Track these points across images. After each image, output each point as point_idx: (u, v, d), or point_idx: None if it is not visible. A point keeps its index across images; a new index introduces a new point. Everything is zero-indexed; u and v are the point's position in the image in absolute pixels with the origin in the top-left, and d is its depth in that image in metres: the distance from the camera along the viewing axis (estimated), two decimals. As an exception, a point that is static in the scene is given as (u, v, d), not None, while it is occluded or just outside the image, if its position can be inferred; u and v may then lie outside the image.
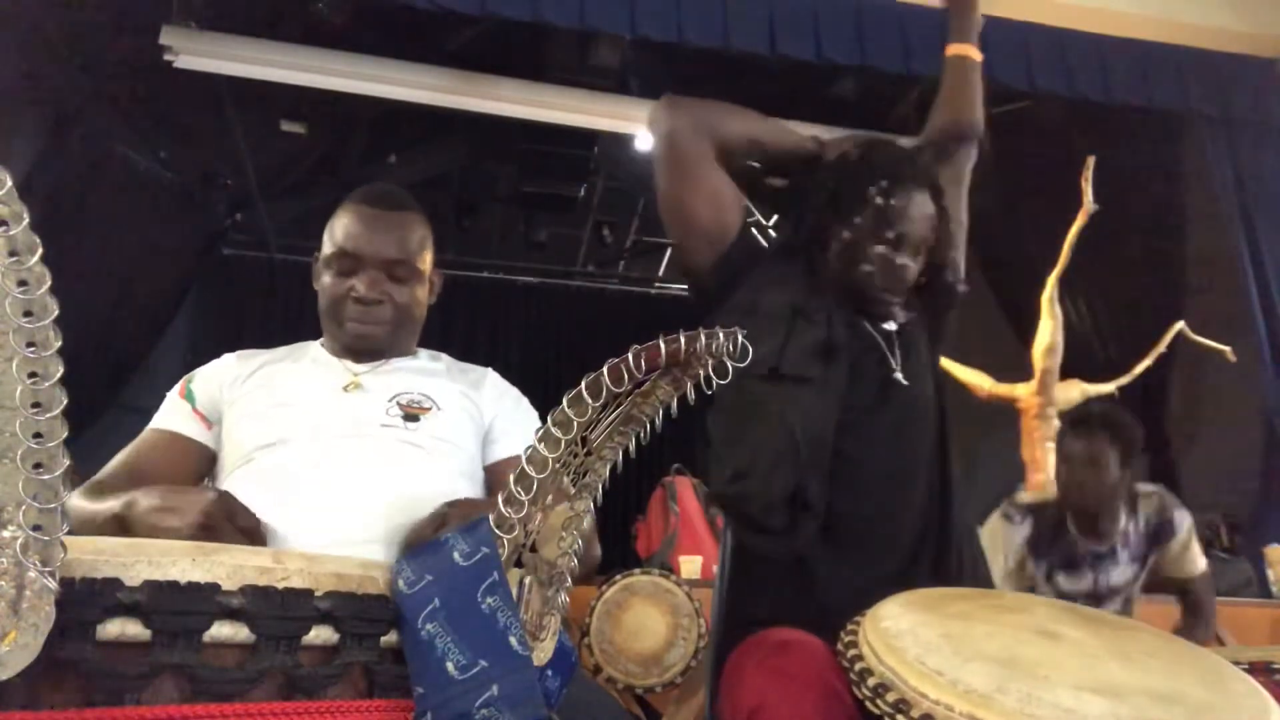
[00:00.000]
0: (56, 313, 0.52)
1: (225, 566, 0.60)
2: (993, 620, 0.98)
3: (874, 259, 1.34)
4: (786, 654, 1.09)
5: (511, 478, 0.67)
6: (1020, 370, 3.92)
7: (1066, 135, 4.08)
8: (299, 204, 4.99)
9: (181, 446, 1.26)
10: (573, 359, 5.72)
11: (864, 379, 1.34)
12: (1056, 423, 3.37)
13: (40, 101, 3.44)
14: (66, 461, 0.53)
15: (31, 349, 0.51)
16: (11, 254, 0.50)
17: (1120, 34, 3.72)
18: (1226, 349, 3.74)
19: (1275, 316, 3.75)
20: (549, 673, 0.71)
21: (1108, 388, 3.79)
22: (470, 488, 1.24)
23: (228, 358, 1.36)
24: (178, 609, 0.57)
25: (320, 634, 0.62)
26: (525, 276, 6.17)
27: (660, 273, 6.24)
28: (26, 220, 0.50)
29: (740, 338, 0.68)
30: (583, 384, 0.66)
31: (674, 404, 0.72)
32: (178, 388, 1.32)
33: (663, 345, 0.67)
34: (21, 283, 0.50)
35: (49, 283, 0.51)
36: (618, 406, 0.71)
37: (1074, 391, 3.72)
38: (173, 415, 1.29)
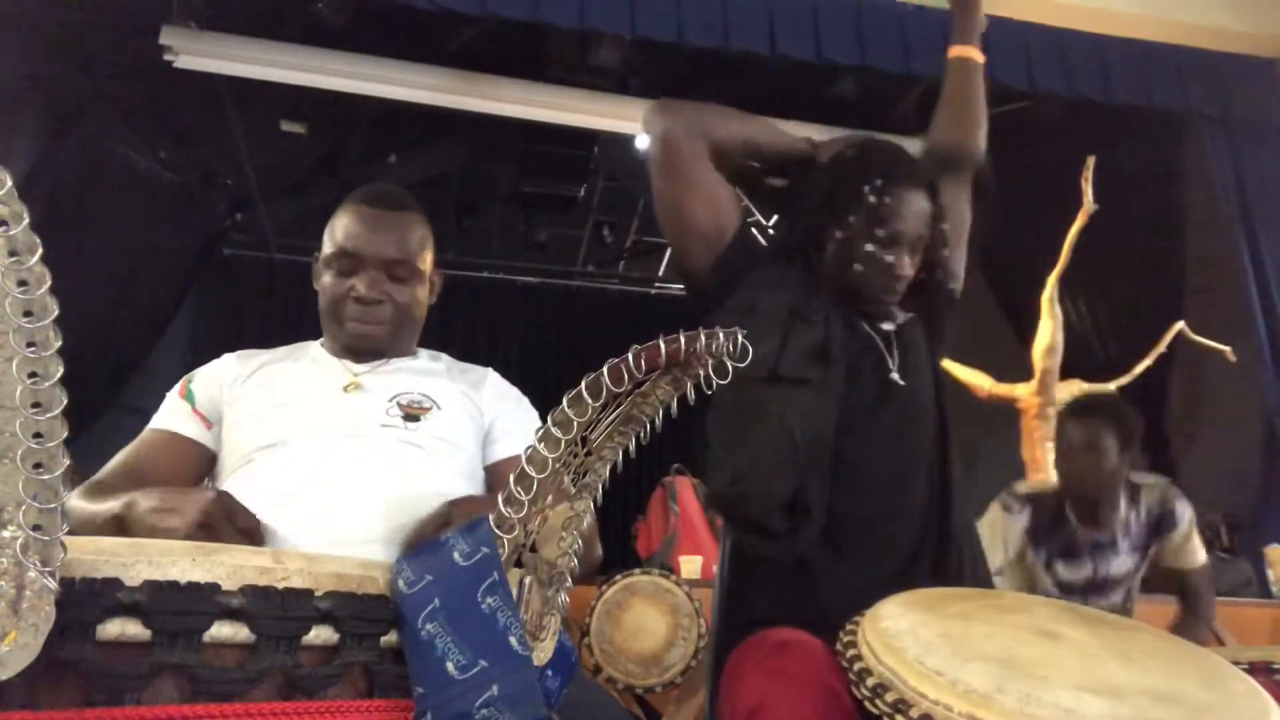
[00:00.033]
0: (56, 313, 0.52)
1: (225, 566, 0.60)
2: (992, 620, 0.98)
3: (870, 258, 1.34)
4: (786, 654, 1.09)
5: (511, 478, 0.67)
6: (1020, 370, 3.92)
7: (1066, 135, 4.08)
8: (299, 204, 4.99)
9: (181, 447, 1.26)
10: (573, 359, 5.72)
11: (862, 380, 1.34)
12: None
13: (40, 101, 3.44)
14: (66, 461, 0.53)
15: (31, 349, 0.51)
16: (11, 254, 0.50)
17: (1120, 34, 3.72)
18: (1226, 349, 3.75)
19: (1275, 316, 3.75)
20: (549, 673, 0.71)
21: (1108, 388, 3.80)
22: (470, 488, 1.24)
23: (228, 358, 1.36)
24: (178, 609, 0.57)
25: (320, 634, 0.62)
26: (525, 276, 6.17)
27: (660, 273, 6.24)
28: (26, 220, 0.50)
29: (740, 337, 0.68)
30: (583, 384, 0.66)
31: (674, 404, 0.72)
32: (177, 388, 1.32)
33: (663, 345, 0.67)
34: (21, 283, 0.50)
35: (49, 283, 0.51)
36: (618, 406, 0.71)
37: (1074, 391, 3.73)
38: (172, 415, 1.29)
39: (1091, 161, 3.56)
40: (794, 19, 3.41)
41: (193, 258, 5.13)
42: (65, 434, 0.53)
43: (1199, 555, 2.32)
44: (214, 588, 0.59)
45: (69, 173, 3.72)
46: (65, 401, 0.52)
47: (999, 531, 2.30)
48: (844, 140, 1.44)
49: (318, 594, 0.62)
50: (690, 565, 2.92)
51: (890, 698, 0.88)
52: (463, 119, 4.17)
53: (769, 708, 1.01)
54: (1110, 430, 2.23)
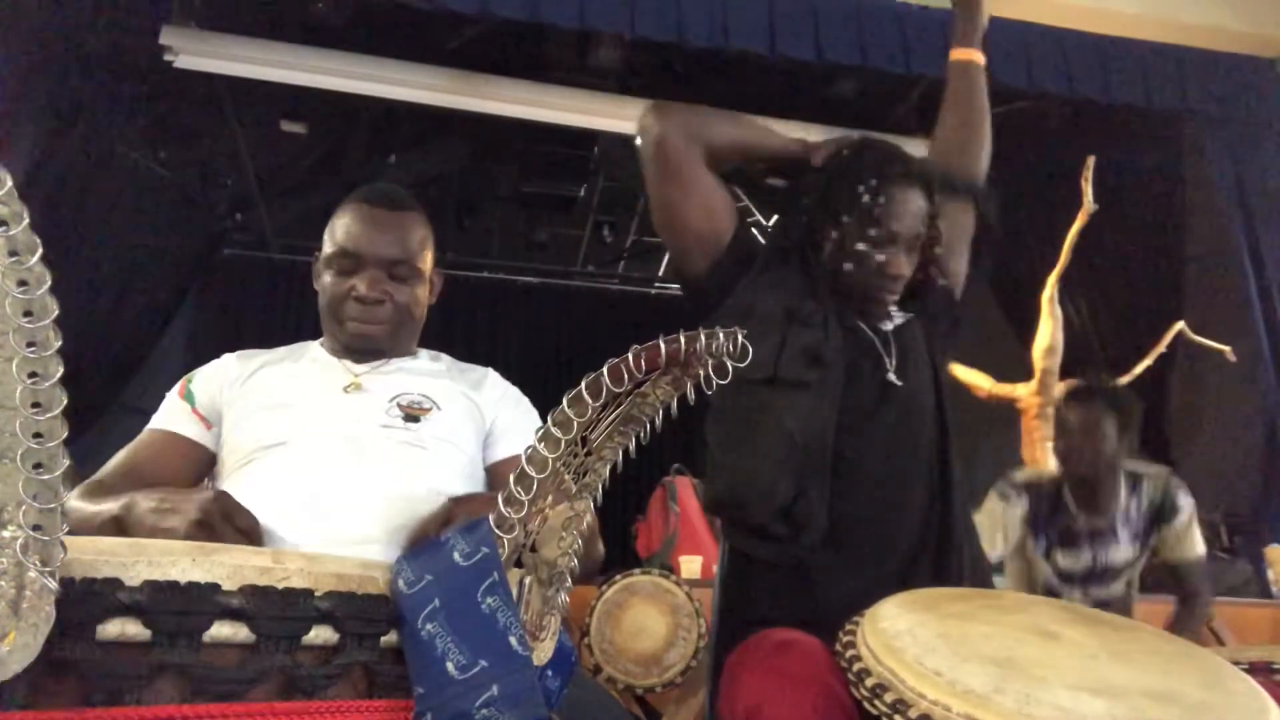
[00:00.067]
0: (56, 313, 0.52)
1: (225, 566, 0.60)
2: (991, 620, 0.98)
3: (867, 258, 1.34)
4: (785, 654, 1.09)
5: (511, 478, 0.67)
6: (1020, 370, 3.92)
7: (1066, 135, 4.08)
8: (299, 204, 4.99)
9: (181, 447, 1.26)
10: (573, 359, 5.72)
11: (861, 381, 1.34)
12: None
13: (40, 101, 3.44)
14: (66, 461, 0.53)
15: (31, 349, 0.51)
16: (11, 254, 0.50)
17: (1120, 34, 3.72)
18: (1226, 349, 3.75)
19: (1275, 316, 3.75)
20: (549, 673, 0.71)
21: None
22: (470, 489, 1.24)
23: (227, 358, 1.36)
24: (178, 609, 0.57)
25: (320, 634, 0.62)
26: (525, 276, 6.17)
27: (660, 273, 6.24)
28: (26, 220, 0.50)
29: (740, 337, 0.68)
30: (583, 384, 0.66)
31: (674, 404, 0.72)
32: (177, 388, 1.32)
33: (663, 345, 0.67)
34: (21, 283, 0.50)
35: (49, 283, 0.51)
36: (618, 406, 0.71)
37: (1074, 391, 3.72)
38: (172, 415, 1.29)
39: (1091, 161, 3.56)
40: (794, 19, 3.41)
41: (193, 258, 5.12)
42: (65, 434, 0.53)
43: (1198, 547, 2.31)
44: (214, 588, 0.59)
45: (69, 173, 3.72)
46: (65, 401, 0.52)
47: (998, 521, 2.29)
48: (838, 141, 1.44)
49: (318, 594, 0.62)
50: (690, 565, 2.92)
51: (889, 698, 0.88)
52: (463, 119, 4.17)
53: (768, 707, 1.02)
54: (1109, 414, 2.24)
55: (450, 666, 0.62)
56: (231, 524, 0.98)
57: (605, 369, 0.66)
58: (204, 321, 5.46)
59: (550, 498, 0.71)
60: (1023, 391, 3.88)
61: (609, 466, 0.75)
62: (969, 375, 3.94)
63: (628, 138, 4.29)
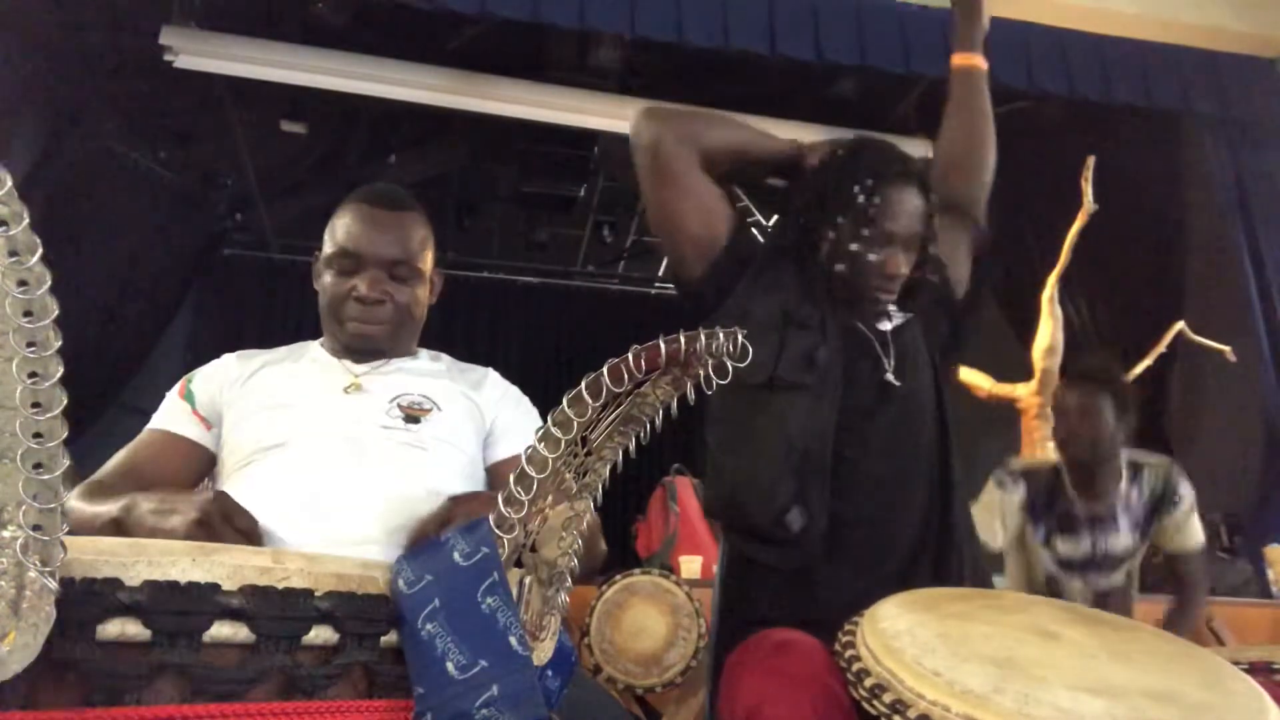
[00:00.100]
0: (56, 313, 0.52)
1: (225, 566, 0.60)
2: (991, 620, 0.98)
3: (863, 258, 1.34)
4: (785, 654, 1.09)
5: (511, 478, 0.67)
6: (1020, 370, 3.92)
7: (1066, 135, 4.08)
8: (299, 204, 4.99)
9: (180, 447, 1.26)
10: (573, 359, 5.72)
11: (859, 382, 1.34)
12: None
13: (40, 101, 3.44)
14: (66, 461, 0.53)
15: (31, 349, 0.51)
16: (11, 254, 0.50)
17: (1120, 34, 3.72)
18: (1226, 349, 3.74)
19: (1275, 316, 3.75)
20: (549, 673, 0.71)
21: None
22: (471, 489, 1.23)
23: (228, 358, 1.35)
24: (178, 609, 0.57)
25: (320, 634, 0.62)
26: (525, 276, 6.17)
27: (660, 273, 6.24)
28: (26, 220, 0.50)
29: (740, 337, 0.68)
30: (583, 384, 0.66)
31: (674, 404, 0.72)
32: (177, 388, 1.32)
33: (663, 345, 0.67)
34: (21, 283, 0.50)
35: (49, 283, 0.51)
36: (618, 406, 0.71)
37: (1073, 392, 3.72)
38: (172, 415, 1.29)
39: (1091, 161, 3.56)
40: (794, 19, 3.41)
41: (193, 258, 5.13)
42: (65, 434, 0.53)
43: (1197, 537, 2.31)
44: (214, 588, 0.59)
45: (69, 173, 3.72)
46: (65, 401, 0.52)
47: (996, 510, 2.29)
48: (832, 142, 1.44)
49: (318, 594, 0.62)
50: (690, 565, 2.92)
51: (888, 698, 0.88)
52: (463, 119, 4.17)
53: (768, 707, 1.02)
54: (1106, 396, 2.24)
55: (450, 666, 0.62)
56: (231, 525, 0.98)
57: (605, 369, 0.66)
58: (204, 321, 5.46)
59: (550, 498, 0.71)
60: (1023, 391, 3.88)
61: (609, 466, 0.75)
62: (969, 375, 3.94)
63: (628, 138, 4.29)
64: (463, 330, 5.70)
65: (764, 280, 1.39)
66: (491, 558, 0.66)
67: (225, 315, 5.58)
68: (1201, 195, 4.08)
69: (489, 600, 0.64)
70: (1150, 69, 3.72)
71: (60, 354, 0.52)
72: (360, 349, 1.33)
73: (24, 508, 0.52)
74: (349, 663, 0.64)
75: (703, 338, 0.67)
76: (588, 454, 0.73)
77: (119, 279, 4.38)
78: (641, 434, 0.74)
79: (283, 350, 1.38)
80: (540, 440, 0.66)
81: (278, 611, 0.60)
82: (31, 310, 0.51)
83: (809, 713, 0.99)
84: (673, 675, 2.11)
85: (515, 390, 1.41)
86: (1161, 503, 2.28)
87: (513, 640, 0.63)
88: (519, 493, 0.67)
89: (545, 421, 0.67)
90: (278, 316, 5.41)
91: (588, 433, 0.71)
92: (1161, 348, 3.89)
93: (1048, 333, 3.84)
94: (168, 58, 3.50)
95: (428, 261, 1.37)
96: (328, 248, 1.33)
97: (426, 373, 1.35)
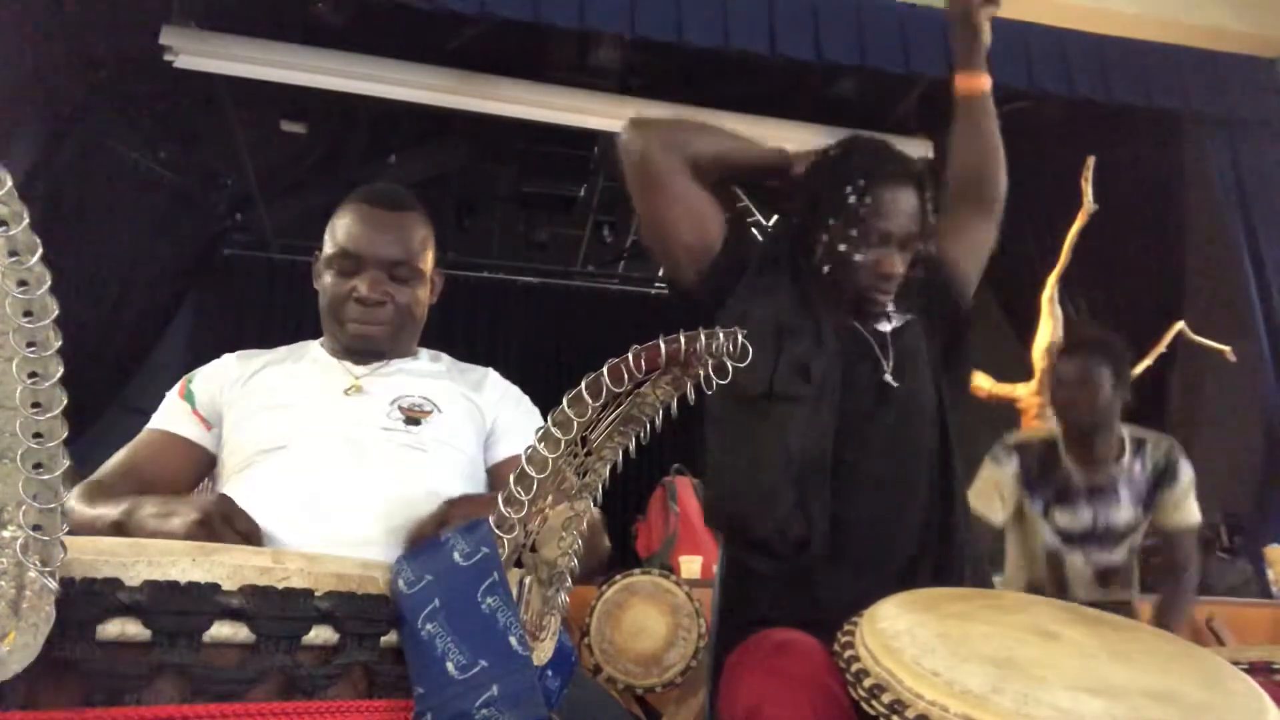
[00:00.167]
0: (56, 313, 0.52)
1: (225, 566, 0.60)
2: (991, 620, 0.98)
3: (860, 258, 1.34)
4: (784, 654, 1.09)
5: (511, 478, 0.67)
6: (1020, 370, 3.92)
7: (1066, 135, 4.08)
8: (299, 204, 4.99)
9: (180, 447, 1.26)
10: (573, 359, 5.72)
11: (858, 384, 1.33)
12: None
13: (40, 101, 3.44)
14: (66, 462, 0.53)
15: (31, 349, 0.51)
16: (11, 254, 0.50)
17: (1120, 34, 3.72)
18: (1226, 349, 3.74)
19: (1275, 316, 3.75)
20: (549, 673, 0.71)
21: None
22: (471, 490, 1.23)
23: (228, 358, 1.35)
24: (178, 609, 0.57)
25: (320, 634, 0.62)
26: (525, 276, 6.17)
27: (660, 273, 6.24)
28: (26, 220, 0.50)
29: (740, 337, 0.68)
30: (583, 384, 0.66)
31: (674, 404, 0.72)
32: (177, 388, 1.32)
33: (663, 345, 0.67)
34: (21, 283, 0.50)
35: (49, 283, 0.51)
36: (618, 406, 0.71)
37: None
38: (172, 416, 1.29)
39: (1091, 161, 3.56)
40: (794, 19, 3.41)
41: (193, 257, 5.12)
42: (65, 434, 0.53)
43: (1194, 515, 2.32)
44: (214, 588, 0.59)
45: (69, 173, 3.72)
46: (65, 401, 0.52)
47: (992, 484, 2.29)
48: (819, 150, 1.44)
49: (318, 594, 0.62)
50: (690, 565, 2.92)
51: (887, 698, 0.88)
52: (463, 119, 4.17)
53: (768, 707, 1.02)
54: (1103, 363, 2.25)
55: (450, 666, 0.62)
56: (231, 527, 0.98)
57: (605, 369, 0.66)
58: (204, 321, 5.46)
59: (550, 498, 0.71)
60: (1023, 391, 3.88)
61: (609, 466, 0.75)
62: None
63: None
64: (463, 330, 5.69)
65: (761, 284, 1.38)
66: (491, 558, 0.66)
67: (225, 315, 5.57)
68: (1201, 195, 4.08)
69: (489, 600, 0.64)
70: (1150, 69, 3.72)
71: (60, 354, 0.52)
72: (361, 350, 1.32)
73: (24, 508, 0.52)
74: (349, 663, 0.64)
75: (703, 338, 0.67)
76: (588, 454, 0.73)
77: (119, 279, 4.38)
78: (641, 434, 0.74)
79: (283, 350, 1.38)
80: (540, 440, 0.67)
81: (278, 611, 0.60)
82: (31, 310, 0.51)
83: (808, 713, 0.99)
84: (673, 675, 2.11)
85: (515, 390, 1.40)
86: (1164, 476, 2.29)
87: (513, 640, 0.63)
88: (519, 493, 0.67)
89: (545, 421, 0.67)
90: (278, 316, 5.41)
91: (588, 433, 0.71)
92: (1161, 348, 3.89)
93: (1048, 333, 3.84)
94: (168, 58, 3.50)
95: (428, 262, 1.37)
96: (328, 248, 1.33)
97: (427, 374, 1.35)
